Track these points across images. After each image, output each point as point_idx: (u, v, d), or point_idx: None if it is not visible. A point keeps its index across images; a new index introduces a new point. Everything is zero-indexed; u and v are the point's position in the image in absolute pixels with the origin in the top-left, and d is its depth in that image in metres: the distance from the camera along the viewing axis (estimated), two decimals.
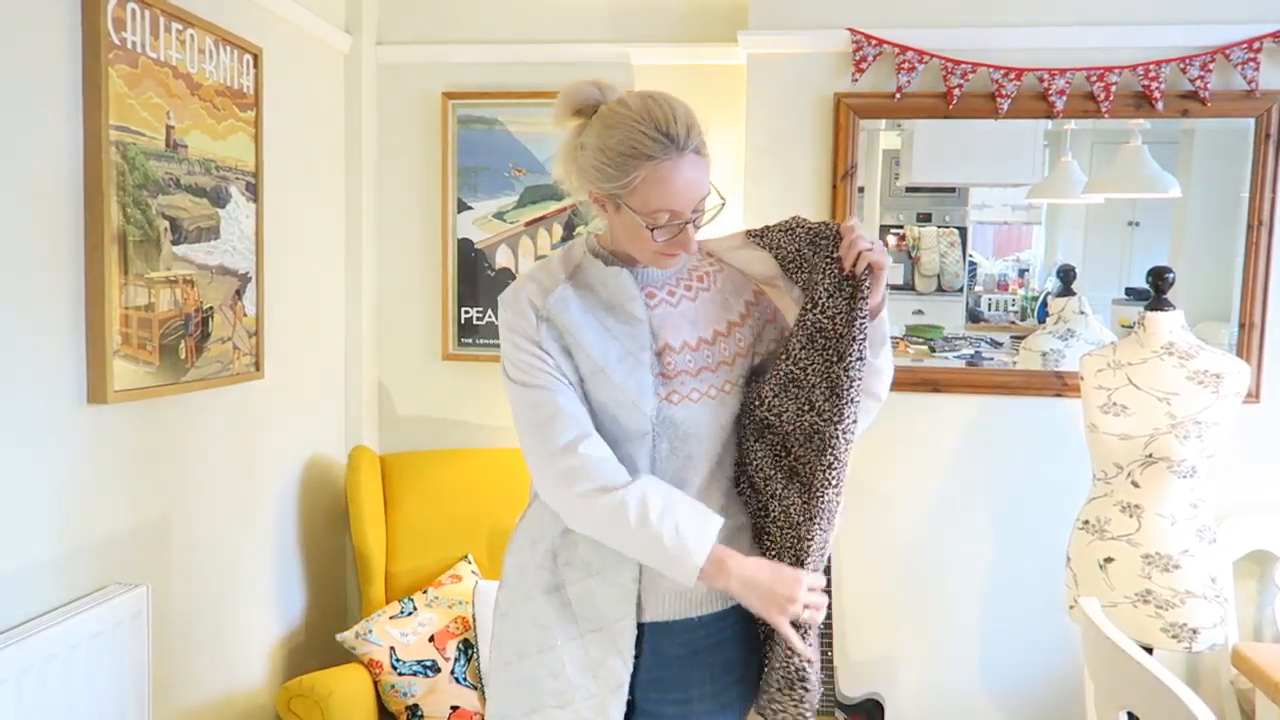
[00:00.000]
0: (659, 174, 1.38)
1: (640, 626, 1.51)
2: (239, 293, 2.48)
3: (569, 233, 3.11)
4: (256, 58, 2.51)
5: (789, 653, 1.48)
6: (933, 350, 3.18)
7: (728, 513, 1.56)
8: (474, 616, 2.64)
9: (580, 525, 1.47)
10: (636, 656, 1.51)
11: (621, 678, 1.47)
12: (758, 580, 1.42)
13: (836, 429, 1.45)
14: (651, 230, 1.42)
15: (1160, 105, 2.66)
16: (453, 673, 2.59)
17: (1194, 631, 2.26)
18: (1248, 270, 2.70)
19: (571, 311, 1.48)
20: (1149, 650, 2.30)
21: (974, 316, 3.38)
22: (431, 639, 2.63)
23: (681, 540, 1.39)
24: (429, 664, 2.58)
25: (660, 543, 1.39)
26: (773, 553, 1.57)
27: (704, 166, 1.42)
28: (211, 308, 2.36)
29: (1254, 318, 2.69)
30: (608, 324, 1.49)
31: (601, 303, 1.50)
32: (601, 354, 1.47)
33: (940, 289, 3.39)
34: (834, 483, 1.46)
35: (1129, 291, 3.16)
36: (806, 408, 1.49)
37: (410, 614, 2.68)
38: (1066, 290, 3.08)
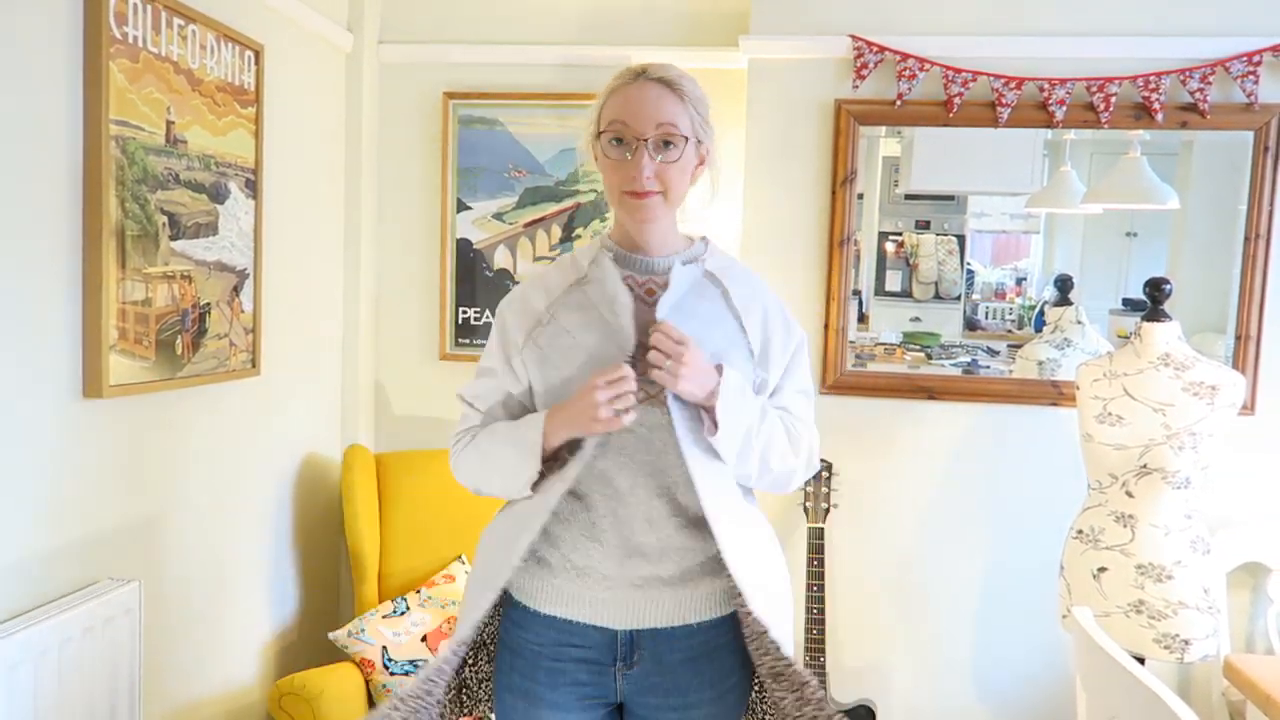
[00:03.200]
0: (617, 94, 1.50)
1: (640, 633, 1.53)
2: (237, 289, 2.47)
3: (568, 234, 3.11)
4: (258, 54, 2.51)
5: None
6: (929, 357, 3.18)
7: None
8: None
9: (458, 474, 1.66)
10: (638, 663, 1.53)
11: None
12: (569, 411, 1.47)
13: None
14: (603, 142, 1.49)
15: (1160, 117, 2.67)
16: None
17: (1186, 642, 2.26)
18: (1244, 282, 2.70)
19: (561, 318, 1.56)
20: (1141, 660, 2.30)
21: (971, 324, 3.38)
22: (424, 639, 2.62)
23: (518, 432, 1.53)
24: (421, 664, 2.58)
25: (507, 446, 1.54)
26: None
27: (669, 96, 1.47)
28: (209, 304, 2.35)
29: (1250, 330, 2.70)
30: (606, 320, 1.52)
31: (605, 297, 1.53)
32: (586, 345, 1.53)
33: (938, 296, 3.39)
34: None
35: (1126, 302, 3.16)
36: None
37: (403, 614, 2.67)
38: (1064, 300, 3.09)
